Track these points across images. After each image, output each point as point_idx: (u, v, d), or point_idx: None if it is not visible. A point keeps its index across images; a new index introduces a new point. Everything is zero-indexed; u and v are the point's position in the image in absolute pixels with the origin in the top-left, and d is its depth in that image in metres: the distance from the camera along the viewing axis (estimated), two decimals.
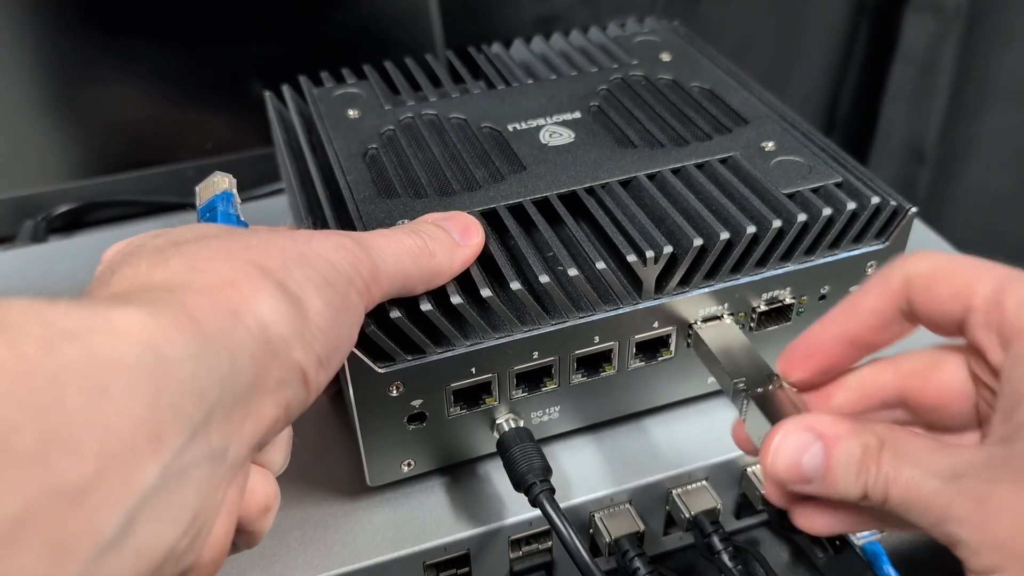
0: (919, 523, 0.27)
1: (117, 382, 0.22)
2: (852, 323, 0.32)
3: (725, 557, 0.41)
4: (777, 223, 0.40)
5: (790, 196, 0.42)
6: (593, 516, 0.42)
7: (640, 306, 0.40)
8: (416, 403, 0.38)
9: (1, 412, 0.20)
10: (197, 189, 0.38)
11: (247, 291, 0.26)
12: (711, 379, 0.41)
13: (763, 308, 0.42)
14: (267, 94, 0.54)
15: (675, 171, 0.44)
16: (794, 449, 0.28)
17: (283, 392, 0.27)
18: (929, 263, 0.30)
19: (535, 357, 0.39)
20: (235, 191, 0.38)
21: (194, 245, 0.28)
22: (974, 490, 0.26)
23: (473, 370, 0.39)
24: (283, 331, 0.27)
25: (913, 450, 0.27)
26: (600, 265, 0.39)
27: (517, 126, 0.47)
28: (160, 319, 0.23)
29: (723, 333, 0.41)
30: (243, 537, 0.30)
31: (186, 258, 0.27)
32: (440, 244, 0.36)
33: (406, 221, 0.40)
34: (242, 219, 0.37)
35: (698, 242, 0.39)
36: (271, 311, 0.26)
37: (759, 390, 0.34)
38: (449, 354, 0.38)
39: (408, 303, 0.36)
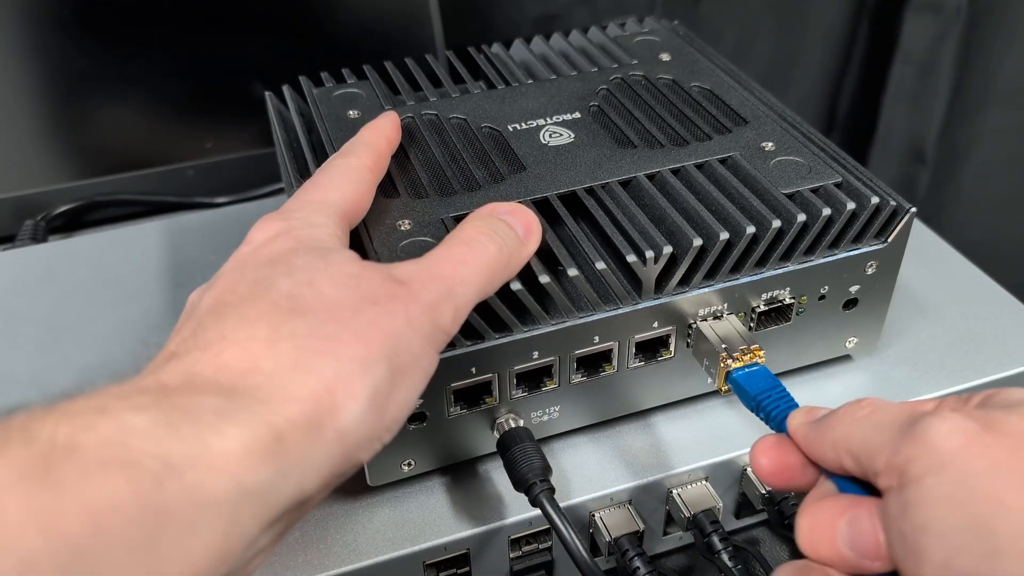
0: None
1: (204, 519, 0.24)
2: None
3: (725, 557, 0.41)
4: (776, 223, 0.40)
5: (789, 196, 0.42)
6: (593, 515, 0.42)
7: (640, 306, 0.40)
8: (416, 402, 0.38)
9: (113, 556, 0.22)
10: None
11: (340, 399, 0.27)
12: (710, 379, 0.41)
13: (763, 308, 0.42)
14: (267, 94, 0.54)
15: (675, 171, 0.44)
16: None
17: (336, 482, 0.29)
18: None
19: (535, 357, 0.39)
20: None
21: (310, 321, 0.28)
22: None
23: (473, 370, 0.39)
24: (358, 438, 0.28)
25: None
26: (600, 265, 0.39)
27: (517, 126, 0.48)
28: (251, 447, 0.25)
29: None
30: None
31: (294, 347, 0.27)
32: (511, 248, 0.34)
33: (407, 222, 0.40)
34: None
35: (698, 242, 0.39)
36: (354, 421, 0.27)
37: None
38: (449, 354, 0.38)
39: None
